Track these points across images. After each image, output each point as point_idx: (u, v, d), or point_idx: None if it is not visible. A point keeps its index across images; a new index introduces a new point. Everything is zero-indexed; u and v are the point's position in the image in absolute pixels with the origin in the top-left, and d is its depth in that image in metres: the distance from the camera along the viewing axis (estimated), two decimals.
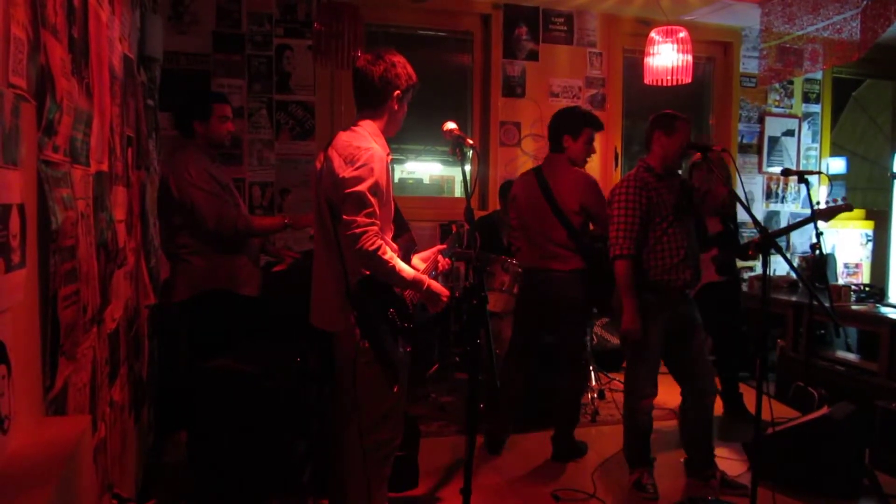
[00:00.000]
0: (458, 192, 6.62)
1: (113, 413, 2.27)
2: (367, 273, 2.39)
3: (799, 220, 4.39)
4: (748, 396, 4.59)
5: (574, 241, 3.80)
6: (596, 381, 5.01)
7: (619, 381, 5.37)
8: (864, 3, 4.38)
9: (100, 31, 2.19)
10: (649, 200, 3.37)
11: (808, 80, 6.90)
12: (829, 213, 4.10)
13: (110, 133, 2.35)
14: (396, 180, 6.72)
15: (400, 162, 6.69)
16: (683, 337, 3.49)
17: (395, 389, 2.48)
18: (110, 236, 2.27)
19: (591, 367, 4.92)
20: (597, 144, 6.12)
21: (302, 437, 3.12)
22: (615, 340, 5.86)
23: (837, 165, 7.30)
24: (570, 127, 3.90)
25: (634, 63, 6.04)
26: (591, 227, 3.97)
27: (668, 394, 5.04)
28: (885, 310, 4.86)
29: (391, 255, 2.37)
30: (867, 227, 7.02)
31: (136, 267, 2.99)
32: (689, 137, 3.44)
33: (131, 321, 2.80)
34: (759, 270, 4.82)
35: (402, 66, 2.53)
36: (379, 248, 2.31)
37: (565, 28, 6.16)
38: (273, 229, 3.77)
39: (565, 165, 3.89)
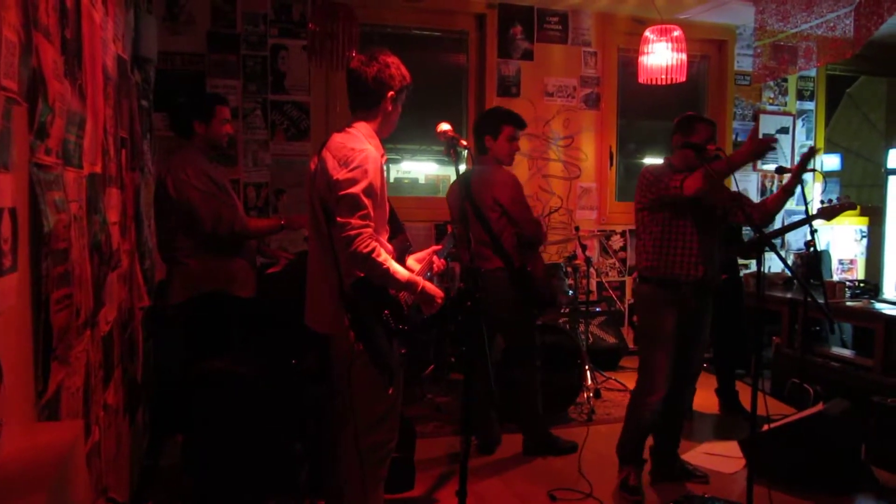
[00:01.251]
0: None
1: (107, 416, 2.26)
2: (362, 275, 2.38)
3: (799, 219, 4.41)
4: (744, 393, 4.59)
5: (490, 238, 3.81)
6: (592, 380, 5.01)
7: (615, 379, 5.37)
8: (858, 0, 4.38)
9: (93, 33, 2.19)
10: (665, 192, 3.35)
11: (802, 78, 6.91)
12: (831, 212, 4.11)
13: (104, 134, 2.34)
14: (392, 180, 6.71)
15: (396, 161, 6.68)
16: (687, 337, 3.47)
17: (391, 392, 2.48)
18: (104, 238, 2.26)
19: (586, 367, 4.92)
20: (591, 144, 6.26)
21: (298, 438, 3.11)
22: (611, 339, 5.88)
23: (832, 162, 7.32)
24: (489, 126, 3.93)
25: (629, 62, 6.04)
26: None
27: None
28: (879, 306, 4.87)
29: (385, 257, 2.36)
30: (862, 224, 7.03)
31: (130, 269, 2.99)
32: (711, 137, 3.42)
33: (125, 323, 2.79)
34: (755, 268, 4.82)
35: (395, 67, 2.53)
36: (373, 250, 2.30)
37: (560, 27, 6.16)
38: (269, 231, 3.77)
39: (490, 165, 3.90)
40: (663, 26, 5.06)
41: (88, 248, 2.01)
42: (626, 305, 6.43)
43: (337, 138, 2.49)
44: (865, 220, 7.00)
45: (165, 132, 4.83)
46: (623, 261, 6.43)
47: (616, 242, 6.41)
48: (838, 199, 4.25)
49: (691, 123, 3.46)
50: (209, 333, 3.39)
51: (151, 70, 4.19)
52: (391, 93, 2.51)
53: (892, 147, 6.70)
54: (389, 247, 2.52)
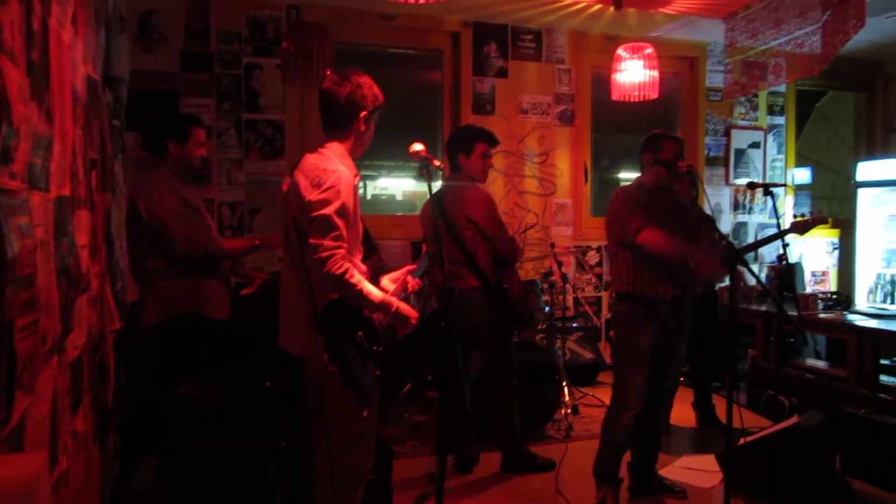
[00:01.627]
0: None
1: (76, 444, 2.22)
2: (335, 296, 2.37)
3: (770, 234, 4.45)
4: (721, 406, 4.61)
5: (465, 257, 3.79)
6: (569, 396, 5.01)
7: (592, 395, 5.38)
8: (824, 18, 4.46)
9: (61, 54, 2.16)
10: (641, 216, 3.36)
11: (772, 93, 7.02)
12: (803, 227, 4.17)
13: (72, 156, 2.32)
14: (369, 197, 6.71)
15: (373, 178, 6.69)
16: (664, 355, 3.47)
17: (366, 414, 2.46)
18: (72, 262, 2.23)
19: (564, 383, 4.92)
20: (566, 160, 6.30)
21: (273, 461, 3.08)
22: (588, 355, 5.89)
23: (803, 176, 7.42)
24: (462, 144, 3.93)
25: (602, 79, 6.10)
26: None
27: None
28: (851, 317, 4.93)
29: (359, 278, 2.35)
30: (833, 236, 7.12)
31: (100, 291, 2.94)
32: (679, 153, 3.45)
33: (96, 347, 2.75)
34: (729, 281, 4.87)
35: (368, 87, 2.53)
36: (346, 271, 2.29)
37: (534, 45, 6.21)
38: (244, 251, 3.74)
39: (463, 183, 3.89)
40: (635, 44, 5.12)
41: (56, 272, 1.98)
42: (603, 321, 6.46)
43: (309, 159, 2.48)
44: (837, 232, 7.10)
45: (138, 152, 4.80)
46: (599, 276, 6.46)
47: (592, 258, 6.44)
48: (811, 213, 4.32)
49: (658, 141, 3.49)
50: (183, 356, 3.35)
51: (123, 89, 4.15)
52: (364, 113, 2.51)
53: (860, 160, 6.82)
54: (363, 267, 2.51)
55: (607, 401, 5.14)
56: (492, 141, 3.97)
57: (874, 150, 7.49)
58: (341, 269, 2.28)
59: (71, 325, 2.19)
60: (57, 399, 1.95)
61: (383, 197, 6.92)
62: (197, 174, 3.97)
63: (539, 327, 5.22)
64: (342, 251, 2.30)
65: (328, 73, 4.13)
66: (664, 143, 3.47)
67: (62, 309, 2.04)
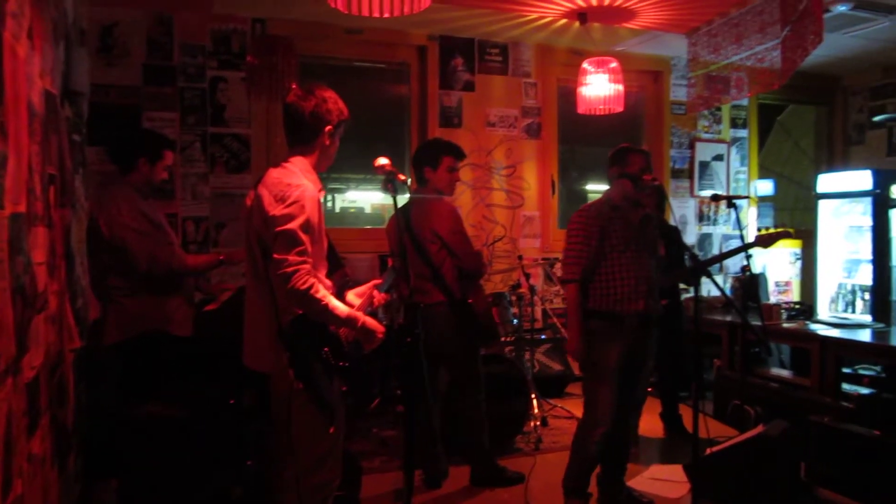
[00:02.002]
0: None
1: (32, 467, 2.16)
2: (300, 312, 2.34)
3: (734, 247, 4.52)
4: (688, 417, 4.65)
5: (431, 271, 3.78)
6: (538, 408, 5.01)
7: (561, 407, 5.39)
8: (784, 34, 4.55)
9: (16, 68, 2.12)
10: (601, 231, 3.40)
11: (735, 107, 7.14)
12: (767, 240, 4.23)
13: (28, 172, 2.26)
14: (337, 210, 6.68)
15: (340, 191, 6.66)
16: (632, 368, 3.49)
17: (332, 431, 2.43)
18: (28, 280, 2.17)
19: (532, 395, 4.92)
20: (533, 173, 6.33)
21: (237, 481, 3.03)
22: (557, 367, 5.90)
23: (765, 187, 7.55)
24: (428, 157, 3.92)
25: (569, 92, 6.15)
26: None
27: None
28: (814, 326, 5.01)
29: (324, 293, 2.33)
30: (795, 247, 7.25)
31: (59, 310, 2.88)
32: (646, 167, 3.48)
33: (54, 367, 2.68)
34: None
35: (333, 102, 2.52)
36: (311, 286, 2.27)
37: (500, 59, 6.25)
38: (208, 267, 3.70)
39: (429, 197, 3.87)
40: (600, 58, 5.18)
41: (10, 291, 1.92)
42: None
43: (273, 173, 2.46)
44: (799, 242, 7.23)
45: (100, 166, 4.72)
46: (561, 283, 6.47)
47: (560, 270, 6.46)
48: (774, 224, 4.39)
49: (625, 155, 3.53)
50: (145, 374, 3.29)
51: (84, 104, 4.09)
52: (328, 127, 2.50)
53: (821, 172, 6.96)
54: (328, 282, 2.49)
55: (576, 412, 5.18)
56: (458, 154, 3.96)
57: (834, 163, 7.65)
58: (306, 285, 2.26)
59: (27, 346, 2.13)
60: (12, 421, 1.89)
61: (352, 210, 6.90)
62: (161, 187, 3.92)
63: (507, 339, 5.22)
64: (307, 266, 2.29)
65: (293, 86, 4.13)
66: (630, 157, 3.51)
67: (17, 329, 1.99)
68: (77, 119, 3.80)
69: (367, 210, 6.87)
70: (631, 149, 3.57)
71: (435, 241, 3.76)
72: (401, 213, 3.28)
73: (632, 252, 3.42)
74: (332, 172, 6.20)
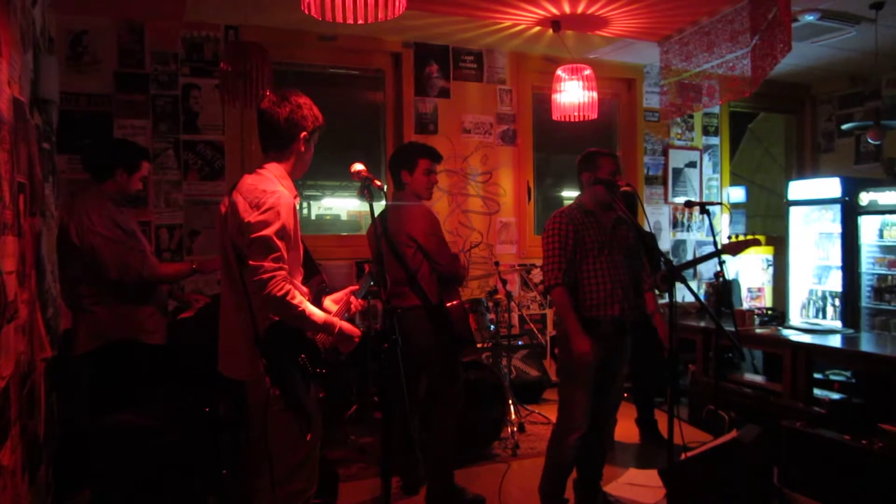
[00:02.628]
0: None
1: (2, 478, 2.12)
2: (276, 318, 2.33)
3: (705, 253, 4.57)
4: (663, 422, 4.68)
5: (407, 275, 3.71)
6: (515, 414, 5.02)
7: (538, 413, 5.40)
8: (753, 42, 4.62)
9: None
10: (575, 235, 3.40)
11: (707, 114, 7.23)
12: (735, 248, 4.28)
13: None
14: (314, 217, 6.65)
15: (317, 198, 6.63)
16: (607, 372, 3.48)
17: (309, 438, 2.42)
18: None
19: (510, 401, 4.93)
20: (509, 179, 6.36)
21: (212, 490, 2.99)
22: (533, 373, 5.92)
23: (737, 194, 7.65)
24: (405, 161, 3.84)
25: (543, 98, 6.19)
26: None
27: None
28: (786, 332, 5.07)
29: (301, 299, 2.32)
30: (767, 253, 7.35)
31: (30, 319, 2.83)
32: (616, 169, 3.50)
33: (25, 377, 2.64)
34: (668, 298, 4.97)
35: (308, 108, 2.51)
36: (288, 292, 2.26)
37: (475, 66, 6.28)
38: (180, 275, 3.68)
39: (406, 201, 3.81)
40: (574, 65, 5.22)
41: None
42: (548, 338, 6.51)
43: (248, 180, 2.45)
44: (770, 249, 7.33)
45: (70, 174, 4.66)
46: (544, 293, 6.51)
47: (536, 276, 6.49)
48: (745, 232, 4.44)
49: (594, 159, 3.55)
50: (118, 384, 3.25)
51: (54, 111, 4.04)
52: (304, 133, 2.50)
53: (791, 180, 7.07)
54: (304, 289, 2.48)
55: (553, 418, 5.18)
56: (435, 156, 3.91)
57: (804, 170, 7.78)
58: (283, 291, 2.25)
59: None
60: None
61: (328, 217, 6.87)
62: (132, 195, 3.88)
63: (484, 346, 5.22)
64: (283, 272, 2.27)
65: (267, 93, 4.12)
66: (600, 161, 3.53)
67: None
68: (47, 127, 3.75)
69: (344, 217, 6.86)
70: (599, 152, 3.59)
71: (410, 245, 3.69)
72: (379, 219, 3.25)
73: (605, 256, 3.42)
74: (308, 179, 6.18)
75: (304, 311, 2.32)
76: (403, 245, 3.69)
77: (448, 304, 3.78)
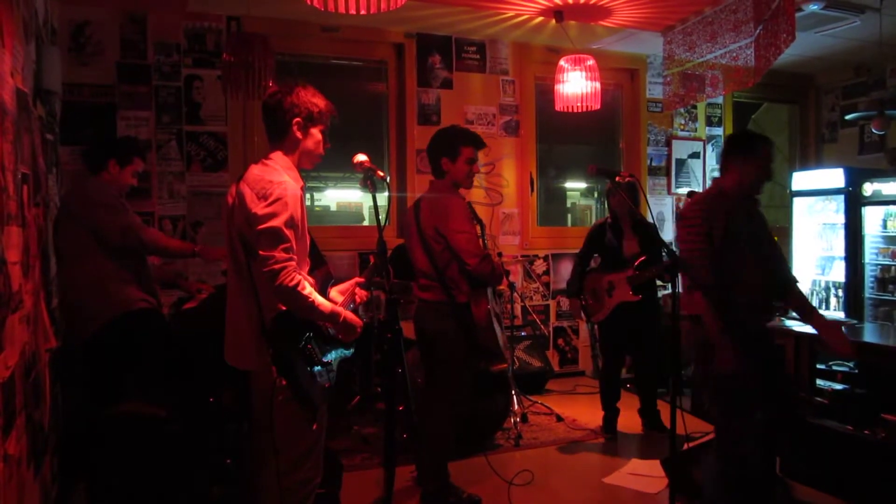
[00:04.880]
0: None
1: (7, 468, 2.13)
2: (283, 308, 2.33)
3: None
4: (665, 412, 4.69)
5: (435, 271, 3.53)
6: (518, 404, 5.03)
7: (541, 403, 5.41)
8: (757, 32, 4.60)
9: None
10: (724, 227, 2.97)
11: (710, 105, 7.21)
12: None
13: (0, 172, 2.23)
14: (316, 208, 6.66)
15: (319, 190, 6.64)
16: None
17: (315, 427, 2.42)
18: (2, 280, 2.15)
19: (513, 392, 4.94)
20: (512, 170, 6.35)
21: (217, 481, 3.01)
22: (536, 363, 5.93)
23: None
24: (446, 148, 3.59)
25: (546, 89, 6.17)
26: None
27: (590, 414, 5.13)
28: (789, 322, 5.06)
29: (310, 290, 2.33)
30: None
31: (34, 309, 2.84)
32: (771, 161, 3.14)
33: (29, 367, 2.65)
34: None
35: (305, 95, 2.50)
36: (298, 283, 2.26)
37: (478, 56, 6.26)
38: (180, 253, 3.74)
39: (445, 190, 3.61)
40: (577, 56, 5.20)
41: None
42: (551, 329, 6.51)
43: (254, 170, 2.44)
44: (774, 239, 7.30)
45: (72, 166, 4.67)
46: (547, 284, 6.51)
47: (539, 267, 6.49)
48: None
49: (752, 144, 3.14)
50: (122, 374, 3.27)
51: (56, 103, 4.05)
52: (297, 119, 2.48)
53: (795, 170, 7.05)
54: (311, 279, 2.48)
55: (556, 409, 5.21)
56: (479, 143, 3.64)
57: (808, 161, 7.75)
58: (293, 282, 2.25)
59: (2, 345, 2.11)
60: None
61: (333, 208, 6.88)
62: (136, 186, 3.91)
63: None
64: (293, 263, 2.28)
65: (271, 84, 4.11)
66: (759, 147, 3.12)
67: None
68: (50, 118, 3.77)
69: (349, 209, 6.87)
70: (762, 136, 3.19)
71: (439, 241, 3.48)
72: (413, 208, 3.19)
73: (755, 251, 3.08)
74: (310, 171, 6.16)
75: (313, 301, 2.32)
76: (432, 239, 3.52)
77: (474, 308, 3.53)
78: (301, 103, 2.47)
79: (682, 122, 7.13)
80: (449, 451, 3.66)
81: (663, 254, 4.55)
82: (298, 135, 2.49)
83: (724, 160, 3.21)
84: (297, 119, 2.47)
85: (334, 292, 2.66)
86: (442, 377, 3.62)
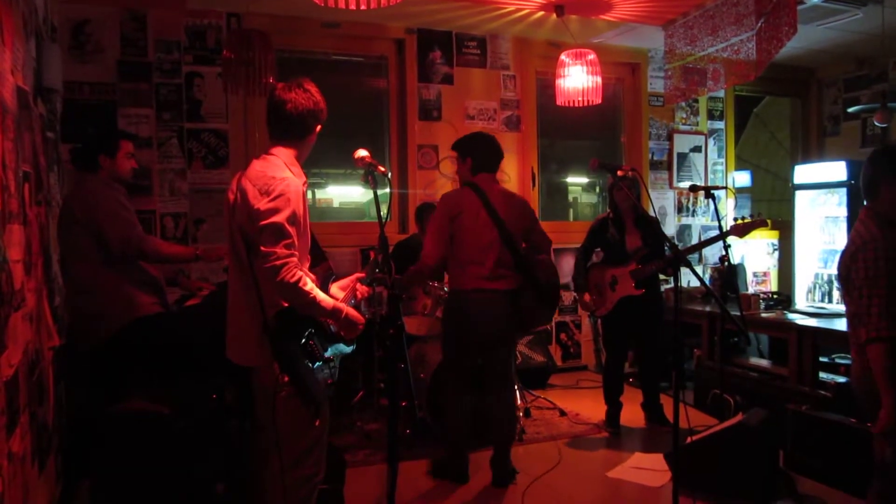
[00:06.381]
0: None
1: (12, 466, 2.13)
2: (285, 305, 2.33)
3: (712, 236, 4.56)
4: (669, 406, 4.69)
5: (516, 262, 3.78)
6: (522, 399, 5.03)
7: (544, 398, 5.41)
8: (758, 25, 4.59)
9: None
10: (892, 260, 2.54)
11: (711, 99, 7.19)
12: (742, 230, 4.26)
13: (2, 169, 2.24)
14: (317, 205, 6.65)
15: (321, 186, 6.63)
16: None
17: (318, 423, 2.43)
18: (4, 278, 2.15)
19: (516, 386, 4.94)
20: (513, 165, 6.35)
21: (220, 478, 3.01)
22: (539, 358, 5.93)
23: (743, 179, 7.62)
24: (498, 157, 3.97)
25: (547, 84, 6.16)
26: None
27: (593, 408, 5.14)
28: (792, 316, 5.06)
29: (312, 286, 2.33)
30: (773, 237, 7.32)
31: (37, 307, 2.85)
32: None
33: (33, 365, 2.66)
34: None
35: (315, 94, 2.51)
36: (300, 279, 2.26)
37: (478, 52, 6.25)
38: (181, 258, 3.71)
39: (497, 182, 3.93)
40: (578, 50, 5.19)
41: None
42: (554, 324, 6.51)
43: (256, 165, 2.44)
44: (776, 233, 7.30)
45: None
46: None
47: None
48: (751, 215, 4.42)
49: None
50: (125, 372, 3.27)
51: (57, 100, 4.04)
52: (319, 126, 2.51)
53: (797, 164, 7.04)
54: (312, 276, 2.48)
55: (559, 403, 5.22)
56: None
57: (810, 154, 7.74)
58: (295, 278, 2.25)
59: (5, 343, 2.11)
60: None
61: (336, 205, 6.87)
62: (137, 183, 3.90)
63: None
64: (295, 259, 2.28)
65: (272, 80, 4.11)
66: None
67: None
68: (51, 116, 3.76)
69: (351, 205, 6.86)
70: None
71: (525, 241, 3.86)
72: (482, 199, 3.53)
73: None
74: (311, 167, 6.17)
75: (314, 297, 2.32)
76: (518, 237, 3.82)
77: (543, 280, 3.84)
78: (324, 108, 2.51)
79: (684, 115, 7.12)
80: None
81: (666, 248, 4.55)
82: (314, 138, 2.52)
83: (874, 182, 2.71)
84: (319, 126, 2.50)
85: (335, 288, 2.66)
86: (499, 364, 3.87)
